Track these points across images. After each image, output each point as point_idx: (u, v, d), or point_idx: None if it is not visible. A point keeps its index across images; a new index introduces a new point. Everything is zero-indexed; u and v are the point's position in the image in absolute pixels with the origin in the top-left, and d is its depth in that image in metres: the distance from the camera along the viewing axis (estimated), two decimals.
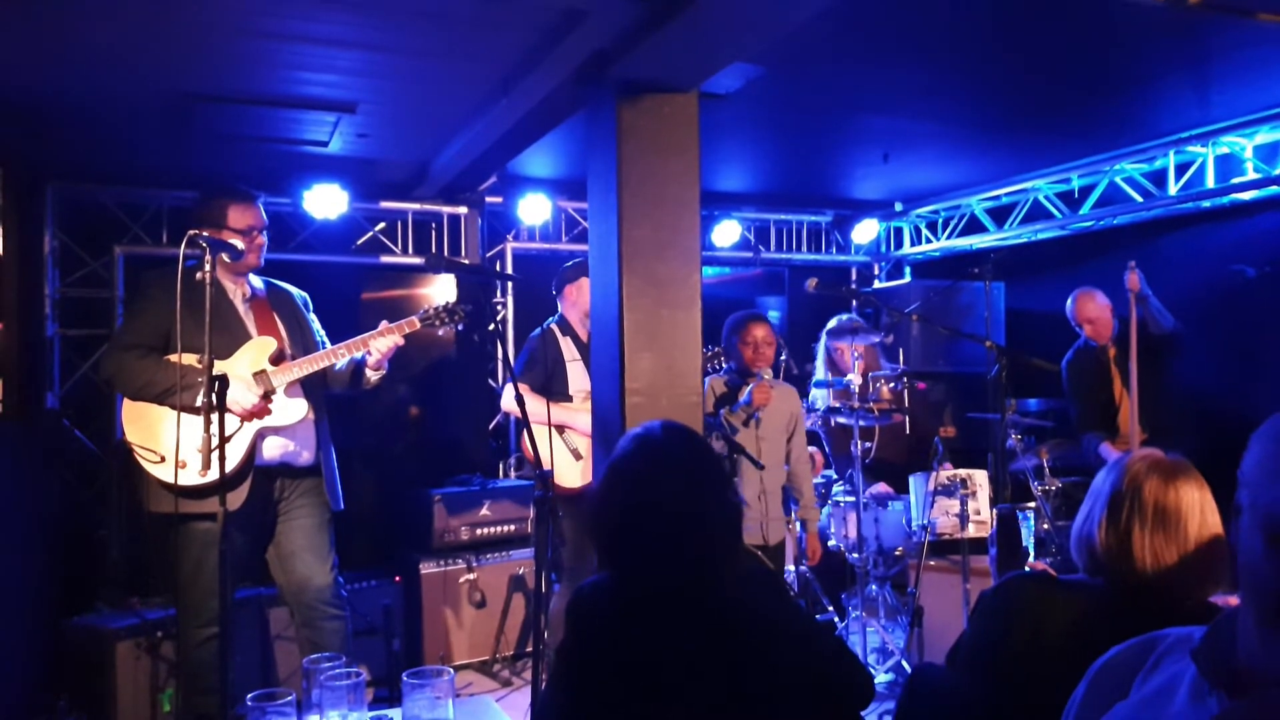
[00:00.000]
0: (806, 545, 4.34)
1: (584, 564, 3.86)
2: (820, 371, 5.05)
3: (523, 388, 3.98)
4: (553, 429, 3.87)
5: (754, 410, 3.96)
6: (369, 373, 3.48)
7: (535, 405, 3.94)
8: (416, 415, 5.68)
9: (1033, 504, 4.47)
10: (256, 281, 3.48)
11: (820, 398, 4.92)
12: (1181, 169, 4.97)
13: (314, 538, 3.42)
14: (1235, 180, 4.75)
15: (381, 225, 5.52)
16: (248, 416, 3.21)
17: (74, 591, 4.14)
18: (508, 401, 4.13)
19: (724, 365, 4.23)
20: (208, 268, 2.73)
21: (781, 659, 1.72)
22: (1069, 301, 4.64)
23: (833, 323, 4.91)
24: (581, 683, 1.72)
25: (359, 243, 5.48)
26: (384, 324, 3.42)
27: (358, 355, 3.40)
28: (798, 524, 4.58)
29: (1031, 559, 4.37)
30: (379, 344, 3.39)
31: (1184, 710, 1.02)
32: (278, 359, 3.33)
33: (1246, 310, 4.87)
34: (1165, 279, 4.66)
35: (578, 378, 4.09)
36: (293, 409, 3.31)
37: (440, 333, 3.51)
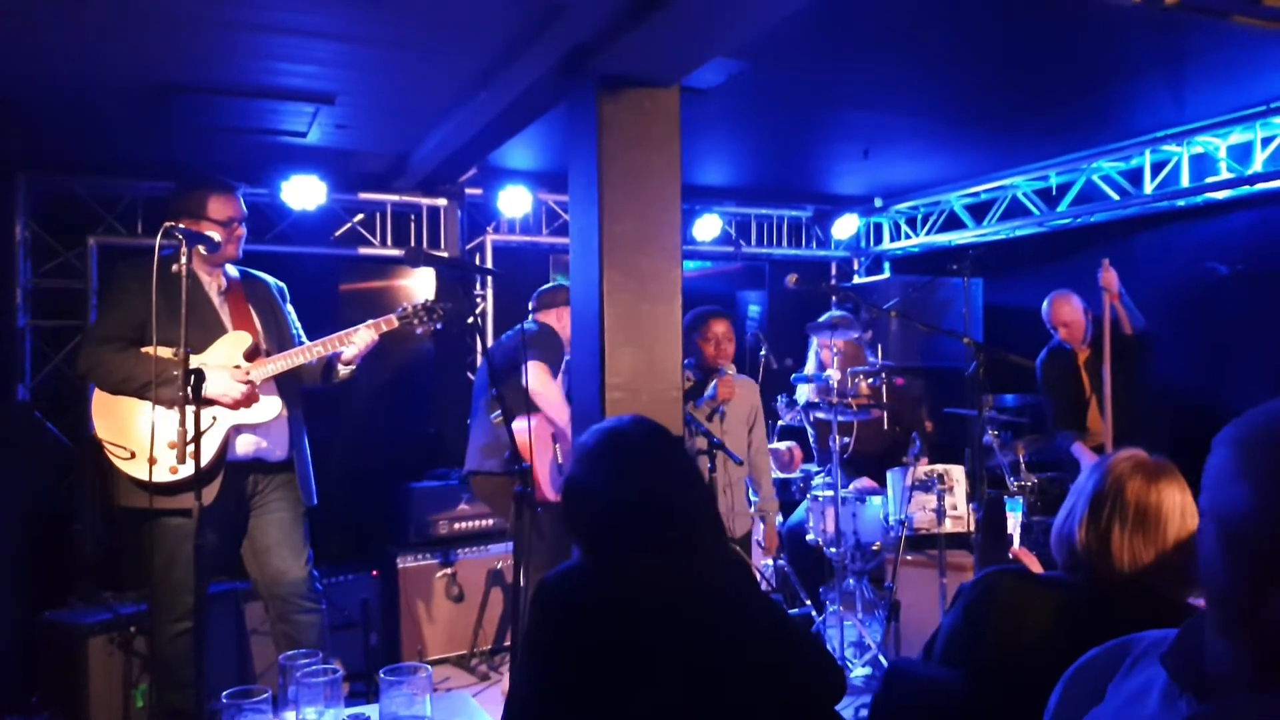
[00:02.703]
0: (765, 538, 4.37)
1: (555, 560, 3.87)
2: (809, 366, 5.07)
3: (545, 368, 3.87)
4: (545, 436, 3.86)
5: (718, 404, 3.97)
6: (340, 368, 3.46)
7: (555, 393, 3.86)
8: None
9: (1019, 496, 4.51)
10: (232, 271, 3.44)
11: (802, 392, 4.94)
12: (1157, 168, 5.01)
13: (289, 532, 3.40)
14: (1209, 179, 4.79)
15: (360, 217, 5.48)
16: (236, 406, 3.18)
17: (46, 586, 4.09)
18: (536, 382, 3.84)
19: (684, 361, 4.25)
20: (184, 260, 2.70)
21: (753, 651, 1.73)
22: (1045, 304, 4.67)
23: (824, 318, 4.93)
24: (550, 670, 1.72)
25: (337, 234, 5.43)
26: (369, 322, 3.41)
27: (332, 352, 3.38)
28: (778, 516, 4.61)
29: (1016, 545, 4.40)
30: (356, 339, 3.37)
31: (1156, 714, 1.03)
32: (252, 354, 3.29)
33: (1219, 308, 4.93)
34: (1140, 276, 4.71)
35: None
36: (267, 406, 3.28)
37: (419, 331, 3.48)
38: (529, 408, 3.83)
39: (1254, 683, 0.92)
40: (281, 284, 3.61)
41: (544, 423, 3.93)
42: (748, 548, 4.21)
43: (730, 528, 4.01)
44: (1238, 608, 0.93)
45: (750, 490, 4.47)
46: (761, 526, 4.42)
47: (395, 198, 5.47)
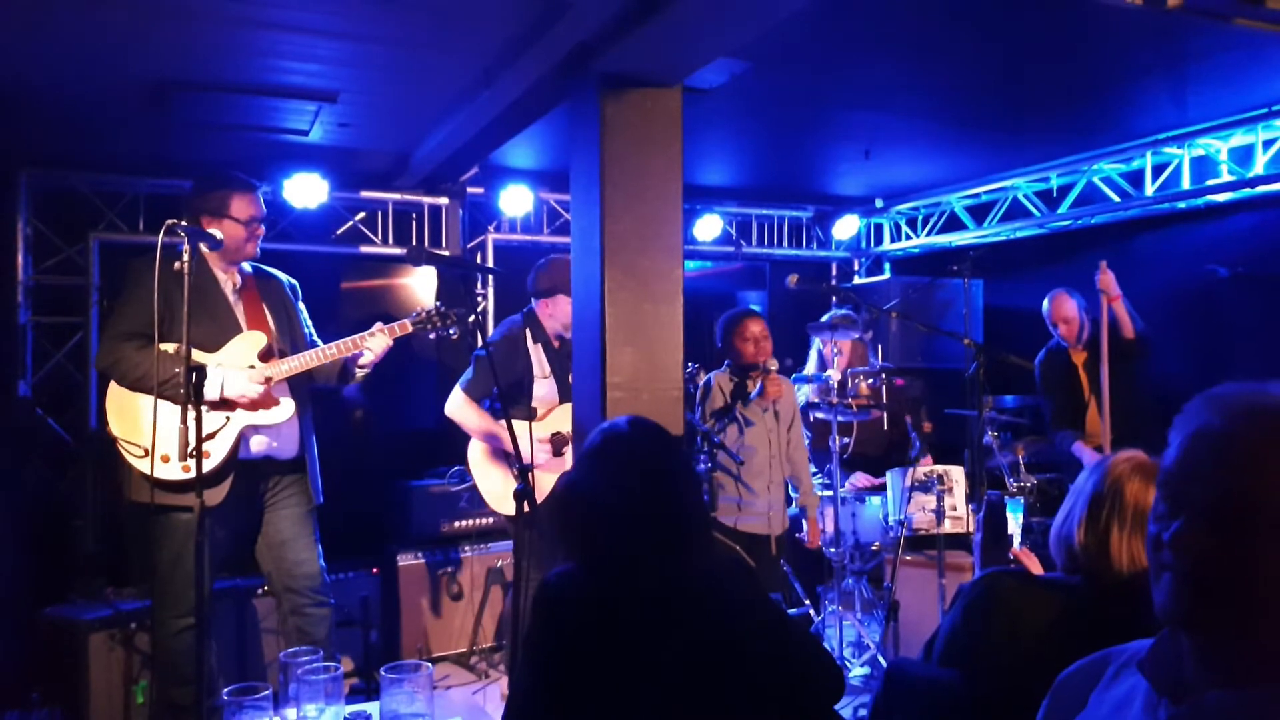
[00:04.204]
0: (807, 530, 4.40)
1: (554, 560, 3.87)
2: (809, 366, 5.08)
3: (468, 400, 3.83)
4: (525, 434, 3.83)
5: (769, 402, 4.01)
6: (356, 370, 3.47)
7: (470, 418, 3.84)
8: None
9: (1020, 496, 4.52)
10: (246, 268, 3.45)
11: (801, 392, 4.94)
12: (1158, 170, 5.02)
13: (302, 527, 3.43)
14: (1210, 182, 4.80)
15: (362, 215, 5.49)
16: (253, 406, 3.19)
17: (47, 582, 4.10)
18: (452, 408, 3.89)
19: (722, 363, 4.27)
20: (185, 257, 2.72)
21: (752, 651, 1.73)
22: (1045, 301, 4.68)
23: (825, 318, 4.94)
24: (551, 672, 1.72)
25: (339, 232, 5.44)
26: (378, 325, 3.41)
27: (346, 355, 3.39)
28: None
29: (1016, 546, 4.41)
30: (372, 344, 3.38)
31: None
32: (266, 354, 3.30)
33: (1219, 310, 4.94)
34: (1141, 278, 4.71)
35: (544, 391, 3.93)
36: (280, 408, 3.29)
37: (431, 337, 3.49)
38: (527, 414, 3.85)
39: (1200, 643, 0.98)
40: (294, 281, 3.62)
41: (488, 439, 3.90)
42: (783, 547, 4.24)
43: (769, 527, 4.05)
44: (1151, 546, 1.02)
45: (790, 487, 4.50)
46: (804, 522, 4.46)
47: (397, 196, 5.47)
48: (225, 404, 3.17)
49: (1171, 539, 0.98)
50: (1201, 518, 0.96)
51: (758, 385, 4.00)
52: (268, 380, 3.23)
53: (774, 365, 4.05)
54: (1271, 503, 0.92)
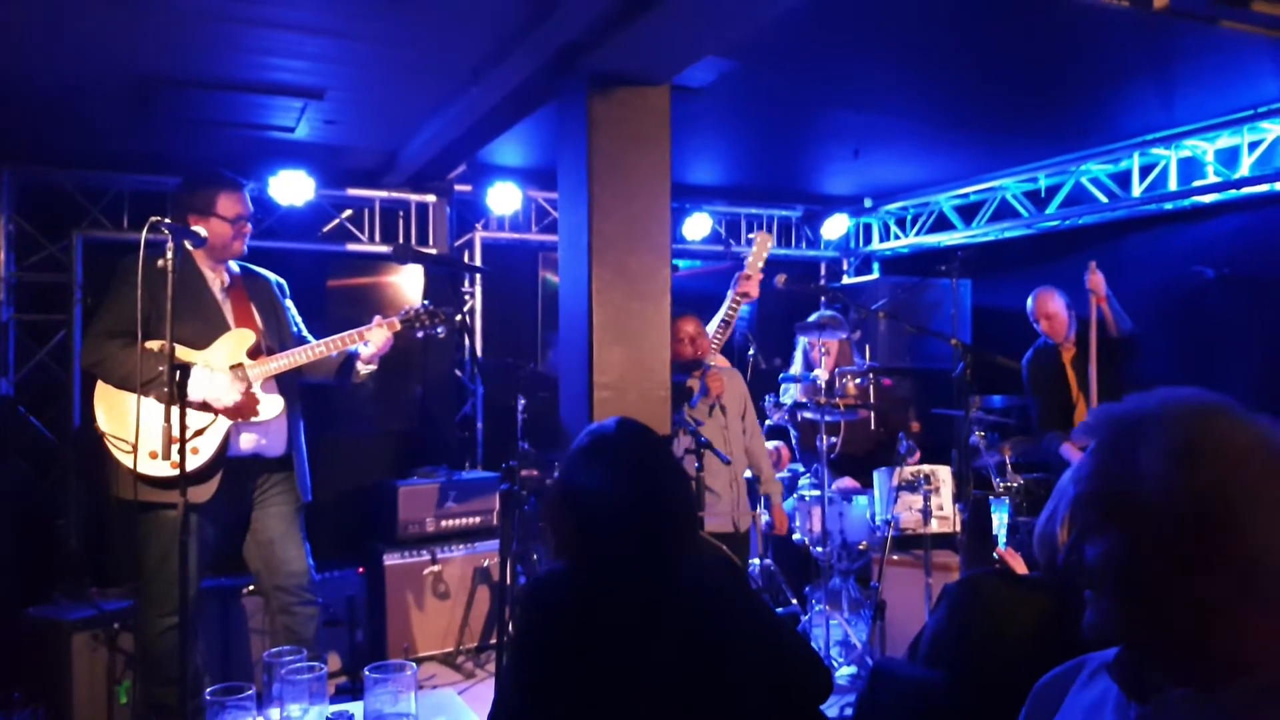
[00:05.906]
0: (773, 518, 4.36)
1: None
2: (795, 366, 5.08)
3: None
4: None
5: (714, 399, 3.98)
6: (360, 367, 3.44)
7: None
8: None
9: (1006, 496, 4.53)
10: (234, 266, 3.44)
11: (789, 392, 4.94)
12: (1145, 170, 5.04)
13: (291, 525, 3.42)
14: (1197, 183, 4.83)
15: (348, 212, 5.46)
16: (233, 414, 3.16)
17: (30, 582, 4.06)
18: None
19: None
20: (169, 255, 2.70)
21: (740, 651, 1.73)
22: (1029, 299, 4.70)
23: (813, 318, 4.94)
24: (538, 672, 1.71)
25: (325, 230, 5.41)
26: (378, 319, 3.40)
27: (335, 353, 3.37)
28: (764, 515, 4.61)
29: (1001, 546, 4.42)
30: (373, 338, 3.35)
31: None
32: (255, 353, 3.28)
33: (1205, 310, 4.96)
34: (1128, 279, 4.73)
35: None
36: (268, 405, 3.27)
37: (419, 335, 3.47)
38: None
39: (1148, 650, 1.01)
40: (281, 280, 3.60)
41: None
42: (746, 544, 4.20)
43: (735, 524, 4.02)
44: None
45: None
46: (766, 514, 4.42)
47: (384, 194, 5.45)
48: (205, 406, 3.14)
49: (1092, 560, 1.02)
50: (1098, 538, 1.01)
51: (700, 385, 3.98)
52: (247, 391, 3.20)
53: (714, 361, 4.03)
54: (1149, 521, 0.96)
